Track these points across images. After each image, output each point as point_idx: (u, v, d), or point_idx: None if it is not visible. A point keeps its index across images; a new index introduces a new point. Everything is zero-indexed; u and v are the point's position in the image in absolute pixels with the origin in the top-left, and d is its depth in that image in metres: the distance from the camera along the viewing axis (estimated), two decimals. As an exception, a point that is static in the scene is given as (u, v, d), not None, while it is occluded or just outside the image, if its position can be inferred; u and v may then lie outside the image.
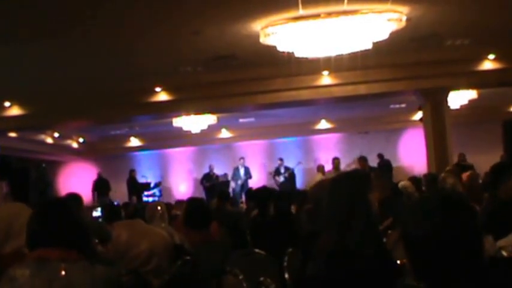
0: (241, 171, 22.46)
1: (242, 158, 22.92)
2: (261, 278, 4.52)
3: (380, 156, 21.71)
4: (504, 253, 4.86)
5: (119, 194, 21.21)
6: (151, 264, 3.93)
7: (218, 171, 23.21)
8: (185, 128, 19.21)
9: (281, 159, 22.25)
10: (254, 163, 23.29)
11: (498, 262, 4.29)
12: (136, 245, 4.53)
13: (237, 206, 14.03)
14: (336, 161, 19.46)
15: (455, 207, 2.12)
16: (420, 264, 2.08)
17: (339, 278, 3.57)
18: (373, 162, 20.88)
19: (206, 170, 23.11)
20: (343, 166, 22.74)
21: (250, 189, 14.58)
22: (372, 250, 3.69)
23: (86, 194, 18.25)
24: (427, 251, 2.06)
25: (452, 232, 2.04)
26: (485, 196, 6.64)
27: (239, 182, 22.08)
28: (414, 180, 11.36)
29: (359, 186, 3.89)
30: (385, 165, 20.64)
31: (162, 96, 15.61)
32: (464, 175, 9.85)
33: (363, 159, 19.03)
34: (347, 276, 3.55)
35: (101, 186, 22.01)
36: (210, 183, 22.28)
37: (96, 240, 5.52)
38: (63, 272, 2.91)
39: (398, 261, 4.49)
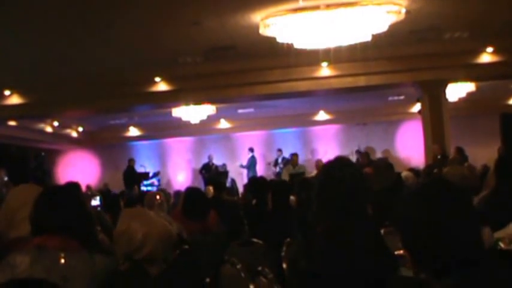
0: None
1: (251, 148, 23.02)
2: (259, 268, 4.54)
3: (358, 152, 21.69)
4: (502, 245, 4.89)
5: (118, 183, 21.21)
6: (143, 252, 3.92)
7: (217, 161, 23.25)
8: (184, 118, 19.19)
9: (280, 150, 22.28)
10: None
11: (496, 254, 4.31)
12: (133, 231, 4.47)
13: (234, 196, 14.09)
14: (294, 157, 19.29)
15: (450, 195, 2.11)
16: (418, 255, 2.08)
17: (337, 271, 3.58)
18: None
19: (205, 160, 23.12)
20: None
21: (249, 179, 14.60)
22: (371, 241, 3.71)
23: (83, 183, 18.26)
24: (425, 241, 2.05)
25: (450, 221, 2.03)
26: (490, 186, 6.60)
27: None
28: (413, 172, 11.44)
29: (347, 178, 3.83)
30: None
31: (161, 86, 15.62)
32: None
33: (364, 155, 19.03)
34: (345, 267, 3.56)
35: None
36: (209, 173, 22.31)
37: (99, 228, 5.53)
38: (62, 261, 2.91)
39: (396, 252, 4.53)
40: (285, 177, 17.63)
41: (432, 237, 2.03)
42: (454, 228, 2.03)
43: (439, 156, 14.40)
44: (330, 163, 4.04)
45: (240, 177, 22.53)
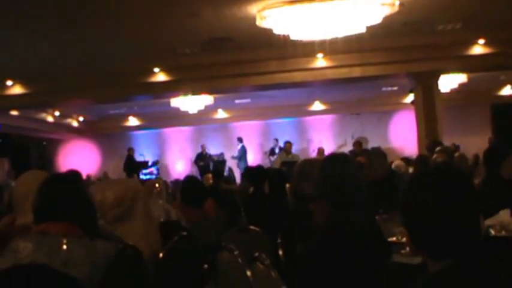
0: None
1: (240, 138, 23.13)
2: (256, 254, 4.59)
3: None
4: (492, 232, 5.07)
5: (118, 172, 21.38)
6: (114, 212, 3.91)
7: (214, 150, 23.40)
8: (182, 108, 19.31)
9: (276, 140, 22.45)
10: (249, 143, 23.46)
11: (489, 241, 4.49)
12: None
13: (231, 184, 14.25)
14: (287, 145, 19.61)
15: (451, 179, 2.17)
16: (417, 238, 2.13)
17: (334, 257, 3.64)
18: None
19: (200, 150, 23.31)
20: (334, 147, 22.99)
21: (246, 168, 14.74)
22: (368, 230, 3.81)
23: (84, 172, 18.42)
24: (425, 223, 2.09)
25: (451, 205, 2.08)
26: (481, 174, 6.81)
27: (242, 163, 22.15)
28: (406, 161, 11.61)
29: (346, 167, 3.96)
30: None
31: (160, 76, 15.71)
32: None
33: (358, 143, 19.25)
34: (342, 254, 3.63)
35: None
36: (204, 162, 22.46)
37: (98, 215, 5.65)
38: (64, 247, 2.92)
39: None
40: (277, 164, 17.79)
41: (432, 219, 2.08)
42: (453, 212, 2.08)
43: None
44: (330, 158, 4.22)
45: (236, 166, 22.67)
